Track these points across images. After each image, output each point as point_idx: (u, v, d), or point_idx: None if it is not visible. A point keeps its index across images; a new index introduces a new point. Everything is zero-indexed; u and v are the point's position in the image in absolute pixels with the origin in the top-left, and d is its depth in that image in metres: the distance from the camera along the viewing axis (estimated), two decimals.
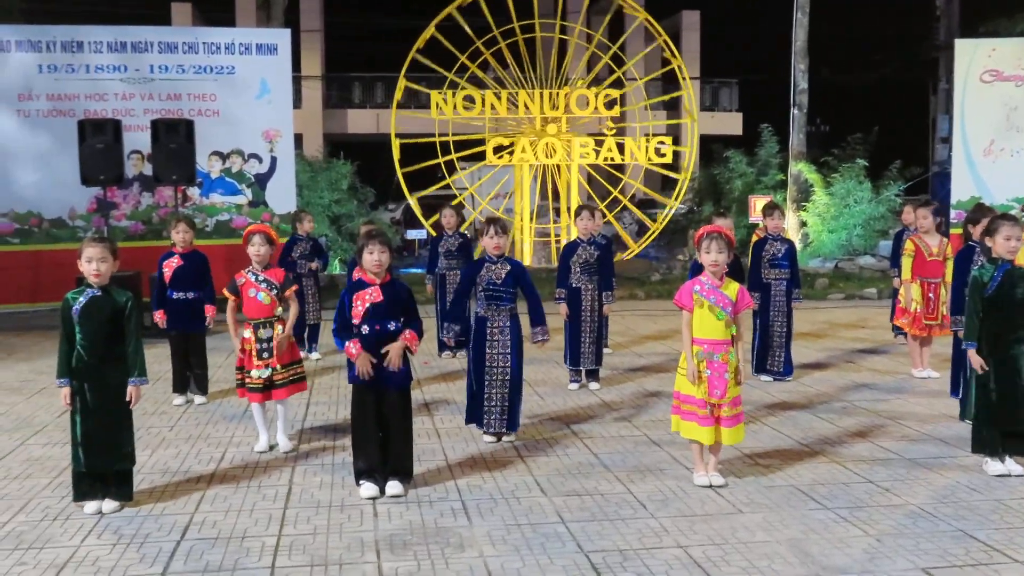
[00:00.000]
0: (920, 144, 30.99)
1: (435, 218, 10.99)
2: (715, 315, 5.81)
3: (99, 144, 12.47)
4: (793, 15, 20.37)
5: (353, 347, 5.76)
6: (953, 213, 16.48)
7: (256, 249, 6.87)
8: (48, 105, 14.44)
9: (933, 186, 25.08)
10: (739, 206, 21.01)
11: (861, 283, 16.84)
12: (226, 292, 6.89)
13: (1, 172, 14.30)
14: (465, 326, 7.21)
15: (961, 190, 16.68)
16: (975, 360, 6.10)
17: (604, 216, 19.07)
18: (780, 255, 8.92)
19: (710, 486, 5.89)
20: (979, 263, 6.65)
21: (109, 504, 5.56)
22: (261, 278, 6.84)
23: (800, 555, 4.83)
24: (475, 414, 7.03)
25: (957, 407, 7.55)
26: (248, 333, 6.78)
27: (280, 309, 6.91)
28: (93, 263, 5.50)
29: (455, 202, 19.27)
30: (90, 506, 5.54)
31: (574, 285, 8.74)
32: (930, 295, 9.18)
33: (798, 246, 19.80)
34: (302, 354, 9.44)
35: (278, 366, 6.78)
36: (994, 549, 4.88)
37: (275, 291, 6.84)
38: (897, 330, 10.73)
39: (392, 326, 5.80)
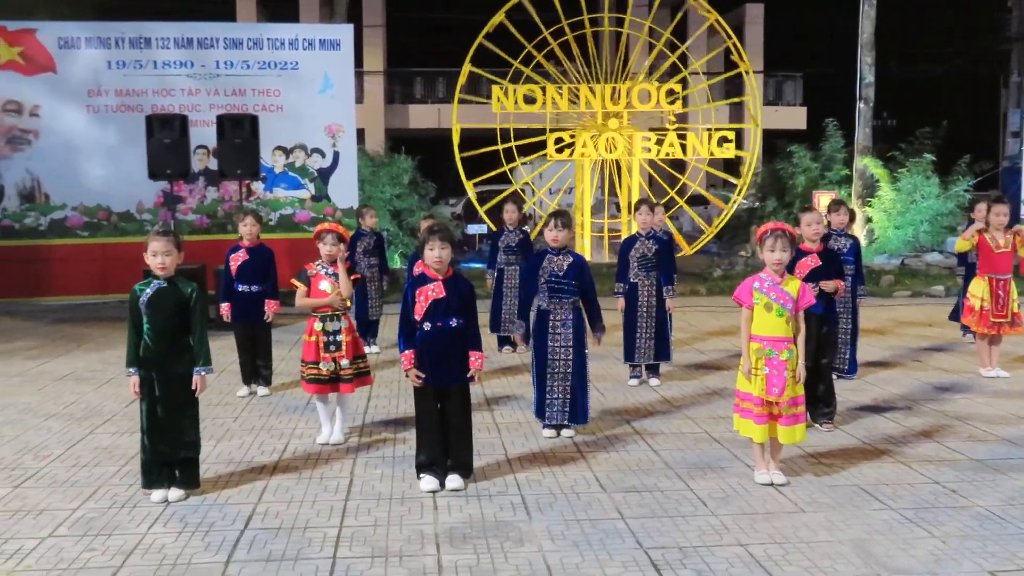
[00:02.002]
0: (990, 138, 30.32)
1: (505, 212, 10.86)
2: (775, 312, 5.76)
3: (166, 139, 12.69)
4: (860, 7, 20.04)
5: (405, 359, 5.83)
6: None
7: (328, 248, 6.94)
8: (117, 100, 14.73)
9: (1003, 181, 24.51)
10: (802, 201, 20.74)
11: (928, 280, 16.51)
12: (295, 282, 6.94)
13: (71, 166, 14.63)
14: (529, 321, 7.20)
15: None
16: None
17: (666, 211, 18.96)
18: (845, 251, 8.77)
19: (771, 484, 5.83)
20: None
21: (175, 492, 5.67)
22: (330, 271, 6.91)
23: (863, 556, 4.76)
24: (542, 408, 7.04)
25: None
26: (317, 326, 6.85)
27: (349, 304, 6.98)
28: (158, 257, 5.62)
29: (526, 207, 19.30)
30: (157, 494, 5.65)
31: (632, 280, 8.71)
32: (999, 292, 8.98)
33: (863, 242, 19.51)
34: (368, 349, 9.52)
35: (344, 361, 6.84)
36: None
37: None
38: (965, 328, 10.50)
39: (454, 322, 5.81)
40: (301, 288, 6.92)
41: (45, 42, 14.59)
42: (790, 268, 6.92)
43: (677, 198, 21.38)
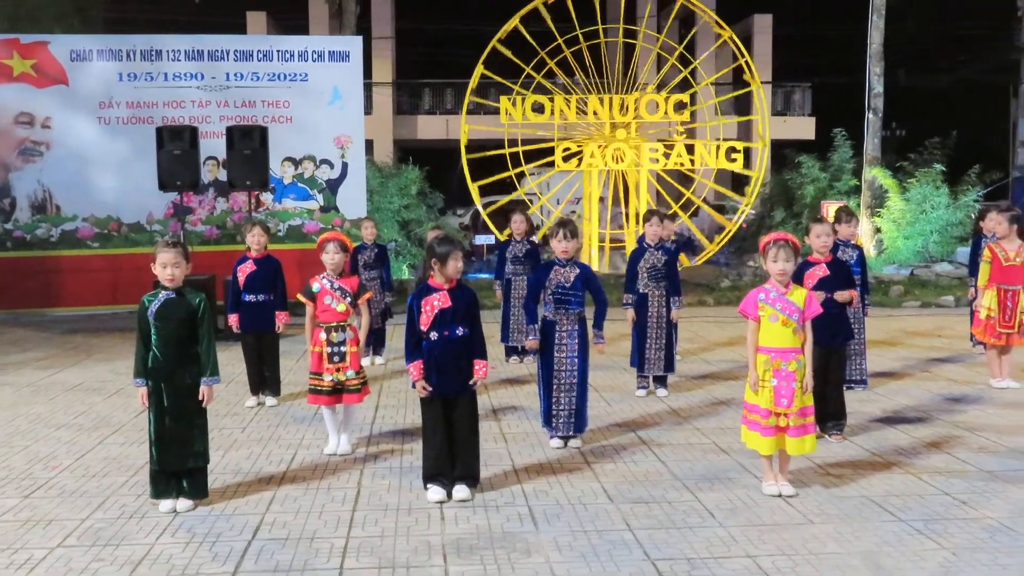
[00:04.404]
0: (1000, 148, 30.26)
1: (509, 231, 11.01)
2: (781, 322, 5.75)
3: (176, 150, 12.75)
4: (868, 17, 20.03)
5: (414, 369, 5.84)
6: None
7: (331, 257, 6.96)
8: (128, 112, 14.81)
9: (1013, 191, 24.49)
10: (811, 212, 20.71)
11: (938, 290, 16.45)
12: (301, 297, 6.96)
13: (82, 178, 14.71)
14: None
15: None
16: None
17: (678, 219, 18.92)
18: (852, 262, 8.76)
19: (780, 496, 5.81)
20: None
21: (183, 503, 5.68)
22: (336, 285, 6.92)
23: (873, 568, 4.74)
24: (550, 418, 7.04)
25: None
26: (322, 336, 6.86)
27: (352, 316, 6.98)
28: (167, 268, 5.65)
29: (531, 211, 19.29)
30: (165, 504, 5.67)
31: (641, 291, 8.70)
32: (1007, 302, 8.95)
33: (872, 252, 19.46)
34: (365, 361, 9.50)
35: (350, 372, 6.86)
36: None
37: (349, 299, 6.92)
38: (975, 339, 10.45)
39: (460, 331, 5.83)
40: (309, 307, 6.94)
41: (57, 55, 14.68)
42: (799, 278, 6.92)
43: (695, 199, 21.32)
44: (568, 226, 6.98)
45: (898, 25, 22.33)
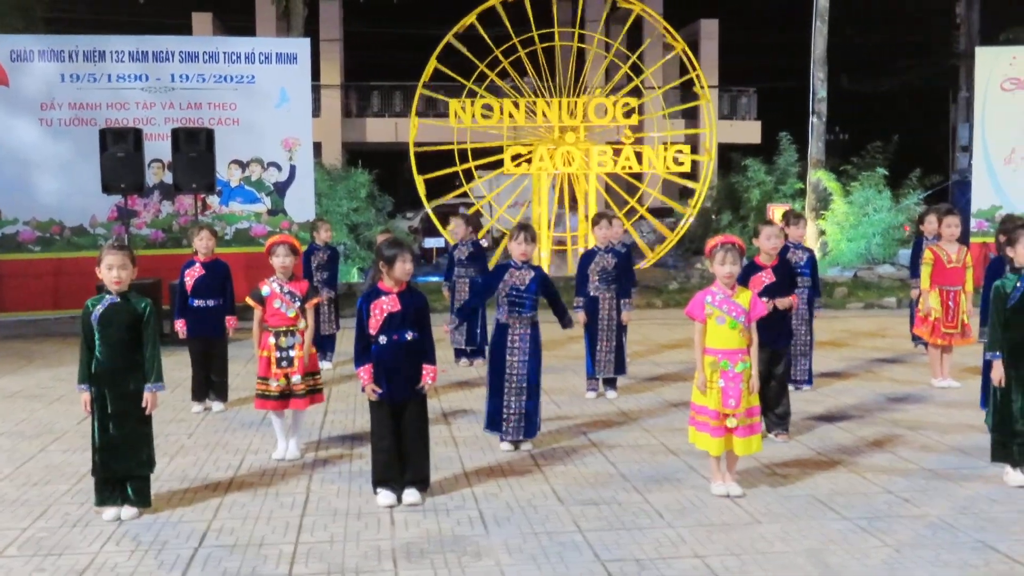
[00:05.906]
0: (940, 152, 30.87)
1: (452, 226, 11.10)
2: (728, 324, 5.81)
3: (120, 153, 12.57)
4: (812, 23, 20.31)
5: (364, 373, 5.82)
6: (974, 222, 16.38)
7: (282, 260, 6.89)
8: (70, 114, 14.55)
9: (953, 195, 24.95)
10: (757, 215, 20.94)
11: (880, 292, 16.73)
12: (250, 301, 6.88)
13: (23, 180, 14.41)
14: (484, 333, 7.21)
15: (981, 199, 16.58)
16: (996, 372, 6.07)
17: (623, 224, 18.97)
18: (802, 264, 8.88)
19: (728, 496, 5.87)
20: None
21: (128, 511, 5.59)
22: (285, 290, 6.85)
23: (819, 566, 4.81)
24: (495, 422, 7.03)
25: (977, 417, 7.49)
26: (271, 340, 6.79)
27: (303, 321, 6.92)
28: (114, 271, 5.55)
29: (471, 210, 19.28)
30: (109, 513, 5.57)
31: (592, 293, 8.74)
32: (950, 303, 9.12)
33: (817, 255, 19.72)
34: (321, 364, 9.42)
35: (297, 377, 6.80)
36: (1015, 561, 4.85)
37: (298, 303, 6.86)
38: (916, 339, 10.65)
39: (409, 335, 5.81)
40: (258, 311, 6.87)
41: None
42: (744, 281, 7.00)
43: (638, 207, 21.45)
44: (529, 230, 7.02)
45: (841, 31, 22.65)
